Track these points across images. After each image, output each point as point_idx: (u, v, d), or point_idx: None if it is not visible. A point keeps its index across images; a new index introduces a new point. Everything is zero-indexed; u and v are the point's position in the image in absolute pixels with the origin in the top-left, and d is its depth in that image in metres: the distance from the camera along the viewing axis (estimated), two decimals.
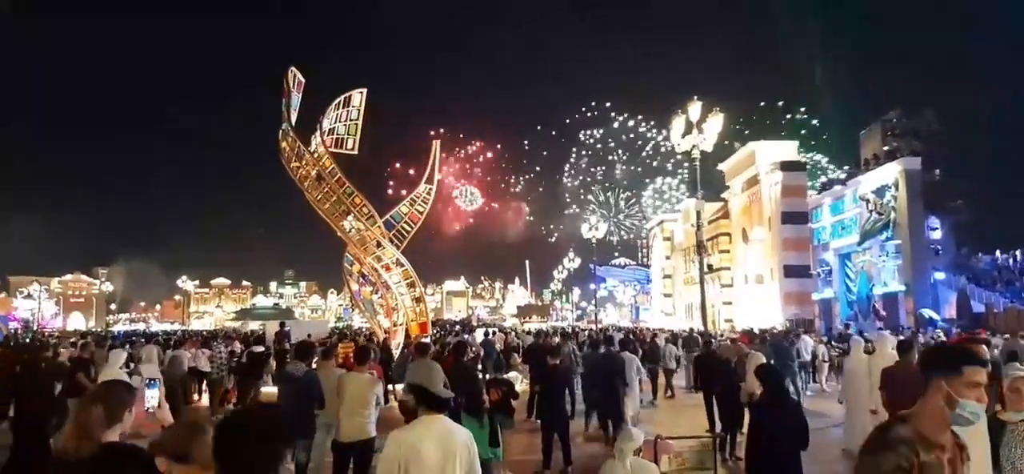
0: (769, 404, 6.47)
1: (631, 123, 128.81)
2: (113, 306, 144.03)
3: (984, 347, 8.74)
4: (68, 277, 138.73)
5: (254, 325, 53.44)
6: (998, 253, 51.25)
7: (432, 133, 25.79)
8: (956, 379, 2.68)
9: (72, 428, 3.27)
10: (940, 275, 42.55)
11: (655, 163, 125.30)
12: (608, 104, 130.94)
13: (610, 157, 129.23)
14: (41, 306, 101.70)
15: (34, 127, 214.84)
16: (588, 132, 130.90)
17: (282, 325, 25.51)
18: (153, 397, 4.75)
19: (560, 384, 10.76)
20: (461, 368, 9.84)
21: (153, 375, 11.69)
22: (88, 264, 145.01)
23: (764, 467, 6.29)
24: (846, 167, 53.86)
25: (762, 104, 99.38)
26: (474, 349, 18.59)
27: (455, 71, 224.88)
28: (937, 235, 44.29)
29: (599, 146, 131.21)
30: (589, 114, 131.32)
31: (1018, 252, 49.75)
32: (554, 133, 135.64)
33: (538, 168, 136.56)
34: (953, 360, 2.76)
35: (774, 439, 6.15)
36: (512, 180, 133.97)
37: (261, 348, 20.48)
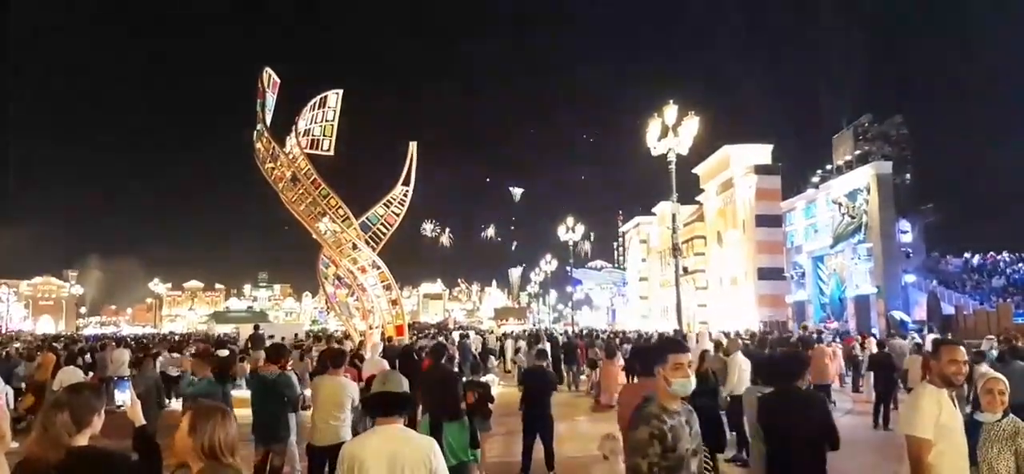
0: None
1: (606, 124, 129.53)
2: (83, 309, 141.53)
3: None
4: (37, 279, 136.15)
5: (227, 328, 52.61)
6: (967, 255, 52.15)
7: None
8: (667, 365, 3.57)
9: (39, 435, 3.15)
10: (910, 278, 43.11)
11: (630, 164, 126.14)
12: (585, 108, 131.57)
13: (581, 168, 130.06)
14: (9, 309, 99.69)
15: (4, 131, 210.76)
16: (561, 133, 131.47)
17: (256, 328, 25.16)
18: (124, 396, 4.63)
19: (544, 386, 10.70)
20: (440, 371, 9.72)
21: (122, 374, 11.44)
22: (59, 267, 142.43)
23: None
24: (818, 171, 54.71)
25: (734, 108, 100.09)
26: (450, 351, 18.46)
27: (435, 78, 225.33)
28: (908, 238, 44.87)
29: (576, 148, 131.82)
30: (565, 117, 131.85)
31: (989, 254, 50.72)
32: (533, 131, 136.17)
33: (518, 170, 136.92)
34: (663, 352, 3.64)
35: None
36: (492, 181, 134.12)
37: (225, 352, 18.94)
